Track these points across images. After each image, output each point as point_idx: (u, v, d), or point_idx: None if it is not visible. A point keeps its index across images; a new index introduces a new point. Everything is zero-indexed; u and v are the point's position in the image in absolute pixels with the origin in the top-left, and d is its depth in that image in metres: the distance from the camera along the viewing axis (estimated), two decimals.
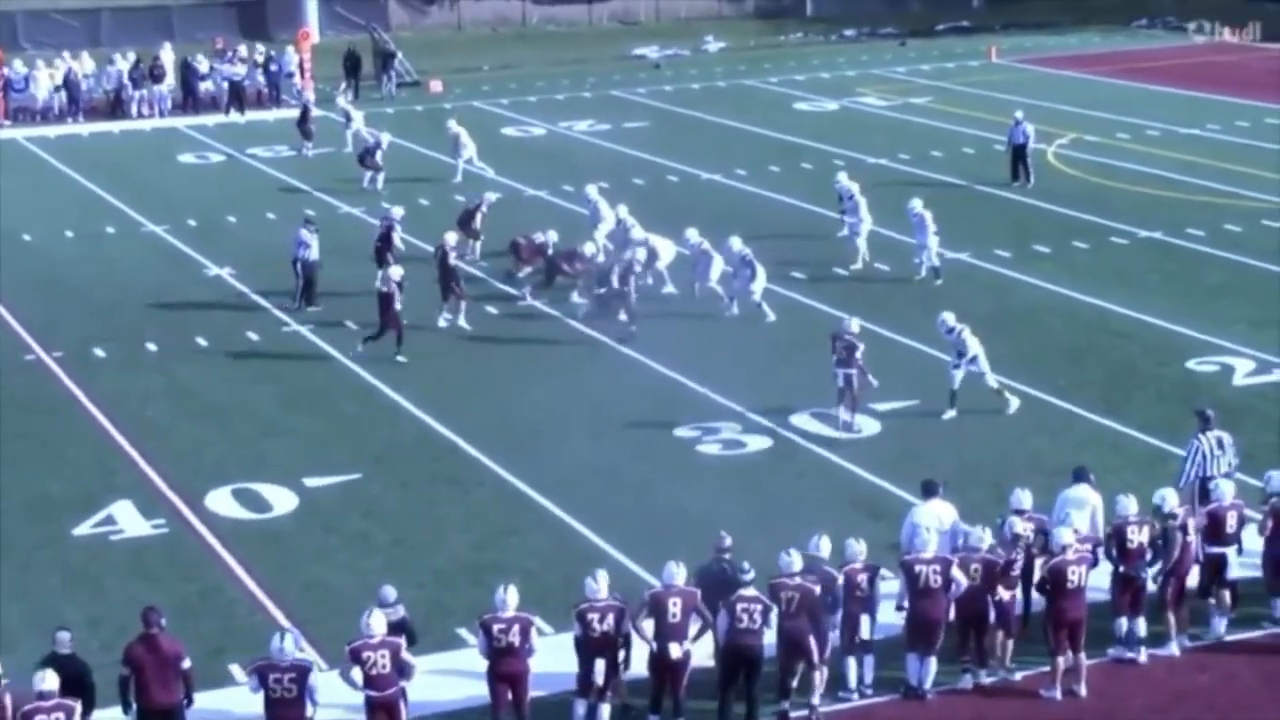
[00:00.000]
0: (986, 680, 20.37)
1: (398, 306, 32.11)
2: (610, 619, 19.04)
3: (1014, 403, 28.65)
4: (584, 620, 19.06)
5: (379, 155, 46.15)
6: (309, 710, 18.42)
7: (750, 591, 19.22)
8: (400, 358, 31.81)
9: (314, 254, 35.45)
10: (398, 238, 36.41)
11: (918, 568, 20.01)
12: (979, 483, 25.45)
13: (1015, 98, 53.45)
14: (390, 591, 19.53)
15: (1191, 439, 23.46)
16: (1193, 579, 21.34)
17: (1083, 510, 21.51)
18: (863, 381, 28.19)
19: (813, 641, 19.51)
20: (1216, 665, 20.81)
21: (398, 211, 37.18)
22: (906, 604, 20.10)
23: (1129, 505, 20.97)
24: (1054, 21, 75.10)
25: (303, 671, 18.11)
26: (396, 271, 32.72)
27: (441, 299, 33.77)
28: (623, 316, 32.93)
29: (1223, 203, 42.28)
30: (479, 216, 38.78)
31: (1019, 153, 44.54)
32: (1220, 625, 21.32)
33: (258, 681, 18.10)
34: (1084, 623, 20.07)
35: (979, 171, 45.92)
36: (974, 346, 28.68)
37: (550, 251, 36.32)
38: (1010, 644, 20.54)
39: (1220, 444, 23.27)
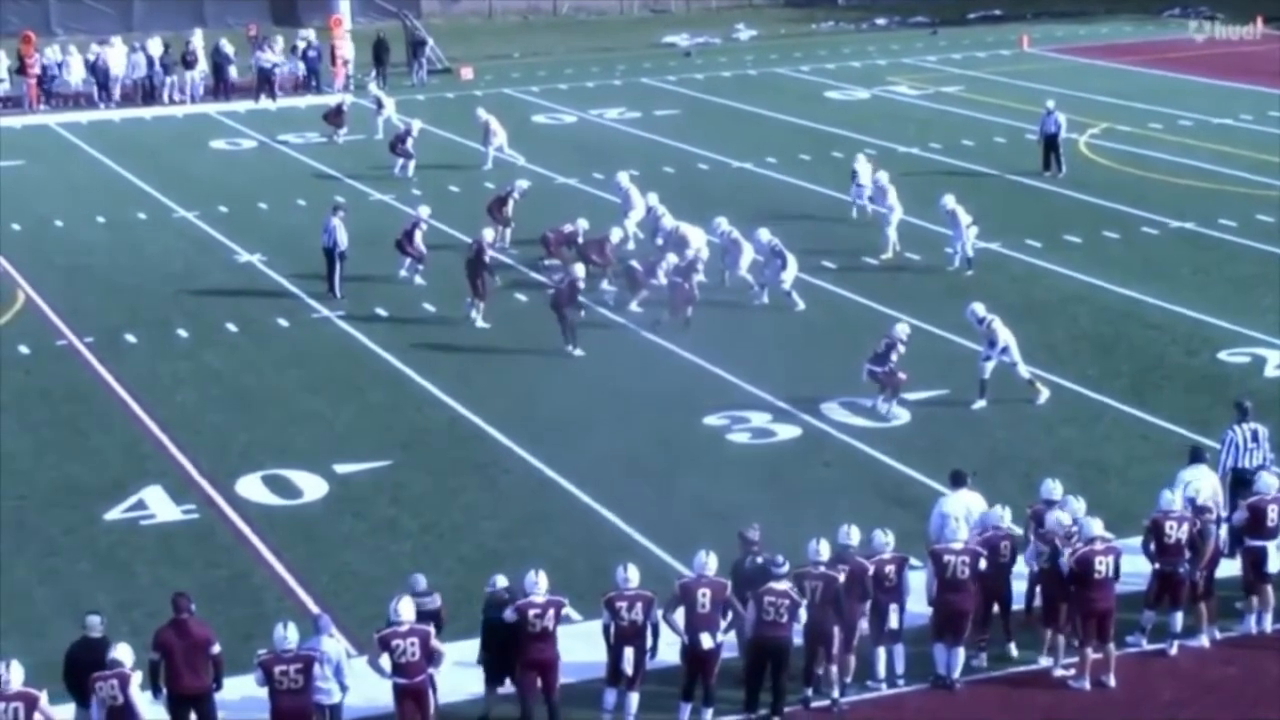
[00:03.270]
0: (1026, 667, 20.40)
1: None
2: (639, 608, 19.05)
3: (1044, 393, 28.59)
4: (613, 608, 19.08)
5: (409, 142, 46.18)
6: (337, 695, 18.53)
7: (781, 585, 19.22)
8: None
9: (342, 241, 35.39)
10: (420, 236, 36.36)
11: (946, 557, 20.00)
12: (1008, 473, 25.42)
13: (1047, 87, 53.31)
14: (421, 580, 19.59)
15: (1226, 430, 23.40)
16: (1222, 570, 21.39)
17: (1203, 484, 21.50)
18: (891, 379, 28.29)
19: (836, 632, 19.54)
20: (1245, 658, 20.76)
21: (424, 210, 37.12)
22: (935, 593, 20.12)
23: (1173, 500, 20.91)
24: (1085, 10, 74.88)
25: (308, 661, 18.16)
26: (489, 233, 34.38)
27: (471, 292, 33.67)
28: (689, 311, 32.80)
29: (1255, 193, 42.11)
30: (510, 204, 38.78)
31: (1051, 142, 44.41)
32: (1266, 620, 21.23)
33: (263, 675, 18.14)
34: (1113, 613, 20.02)
35: (1010, 161, 45.80)
36: (1005, 337, 28.63)
37: (580, 240, 36.30)
38: (1060, 639, 20.49)
39: (1255, 436, 23.19)
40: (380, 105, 51.52)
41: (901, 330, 28.75)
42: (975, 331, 29.30)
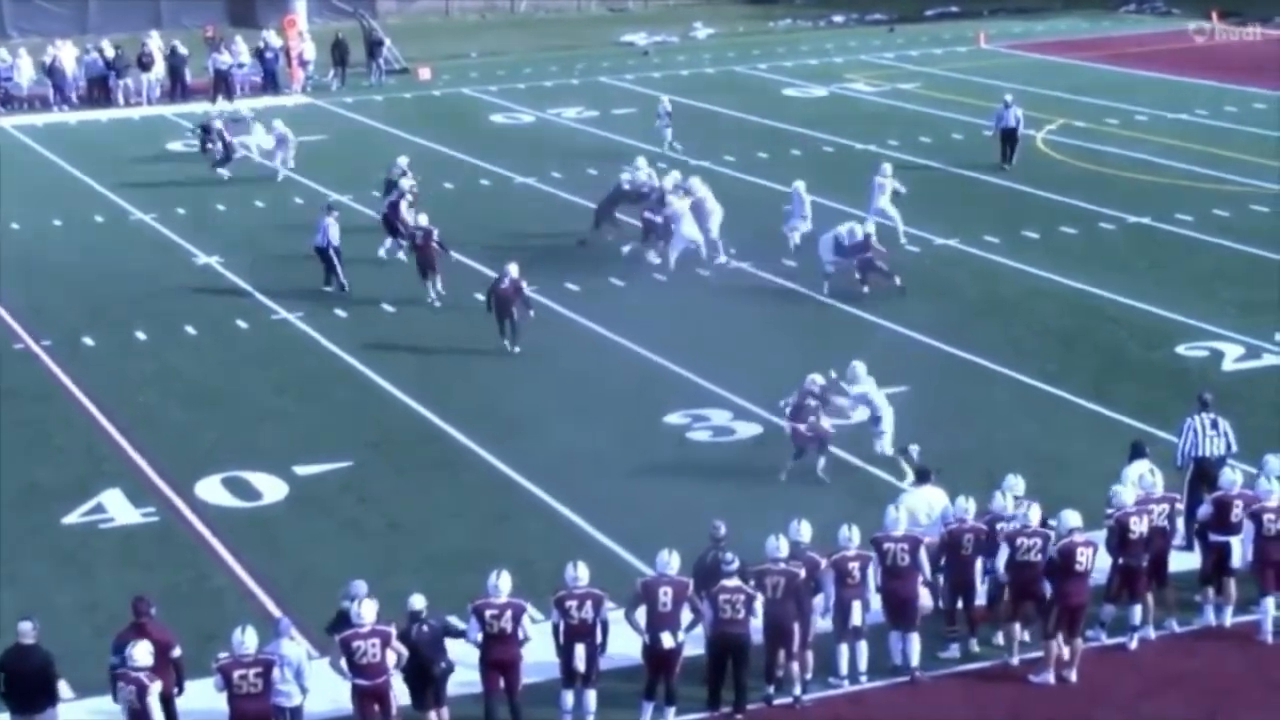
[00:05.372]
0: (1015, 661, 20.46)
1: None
2: (589, 606, 19.06)
3: (910, 476, 25.59)
4: (563, 607, 19.09)
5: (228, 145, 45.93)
6: (298, 698, 18.46)
7: (733, 582, 19.26)
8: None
9: (335, 238, 35.48)
10: (406, 207, 36.67)
11: (886, 545, 20.15)
12: (969, 469, 25.40)
13: (1003, 83, 53.38)
14: (361, 585, 19.36)
15: (1186, 418, 23.52)
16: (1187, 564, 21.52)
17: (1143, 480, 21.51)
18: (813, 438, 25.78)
19: (796, 628, 19.56)
20: (1205, 650, 20.84)
21: (406, 183, 37.39)
22: (880, 582, 20.24)
23: (1127, 496, 20.94)
24: (1042, 7, 75.13)
25: (267, 665, 18.11)
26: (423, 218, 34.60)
27: (500, 332, 31.86)
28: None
29: (1211, 188, 42.30)
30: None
31: (1009, 136, 44.66)
32: (1226, 613, 21.27)
33: (222, 680, 18.07)
34: (1085, 608, 20.08)
35: (968, 157, 45.89)
36: (882, 404, 26.34)
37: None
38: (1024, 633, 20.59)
39: (1215, 425, 23.29)
40: (248, 126, 49.63)
41: (814, 380, 26.05)
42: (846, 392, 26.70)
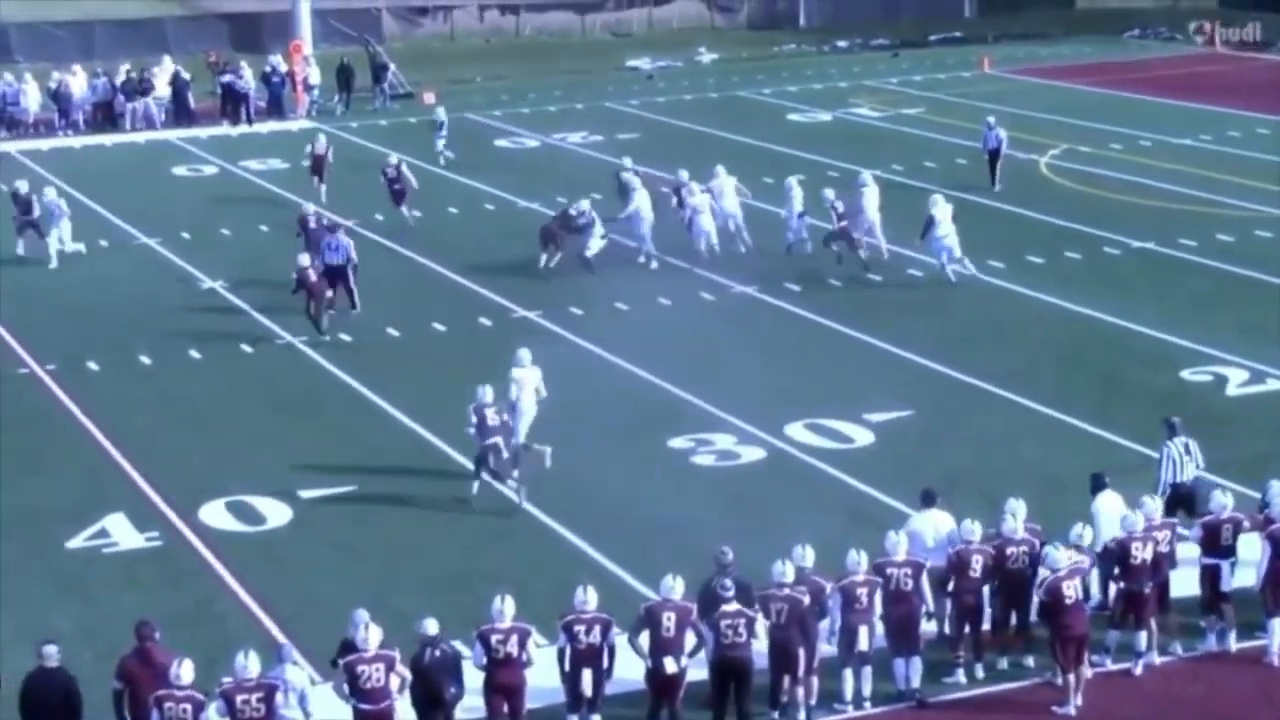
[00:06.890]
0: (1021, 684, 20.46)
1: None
2: (596, 630, 19.04)
3: (548, 457, 27.06)
4: (570, 631, 19.07)
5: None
6: None
7: (732, 607, 19.23)
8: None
9: (354, 256, 35.62)
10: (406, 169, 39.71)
11: (889, 570, 20.12)
12: (970, 492, 25.37)
13: (1007, 108, 53.47)
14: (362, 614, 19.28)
15: (1161, 446, 23.51)
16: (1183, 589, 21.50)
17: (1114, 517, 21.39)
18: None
19: (801, 653, 19.54)
20: (1210, 675, 20.80)
21: (394, 157, 40.47)
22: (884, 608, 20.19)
23: (1135, 521, 20.90)
24: (1046, 32, 75.17)
25: (270, 690, 18.07)
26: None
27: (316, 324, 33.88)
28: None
29: (1214, 212, 42.30)
30: (330, 155, 44.95)
31: (993, 157, 44.90)
32: (1229, 638, 21.19)
33: (224, 705, 17.99)
34: (1089, 637, 20.01)
35: (971, 182, 45.86)
36: (528, 397, 27.42)
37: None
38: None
39: (1188, 449, 23.31)
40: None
41: (484, 393, 26.27)
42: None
